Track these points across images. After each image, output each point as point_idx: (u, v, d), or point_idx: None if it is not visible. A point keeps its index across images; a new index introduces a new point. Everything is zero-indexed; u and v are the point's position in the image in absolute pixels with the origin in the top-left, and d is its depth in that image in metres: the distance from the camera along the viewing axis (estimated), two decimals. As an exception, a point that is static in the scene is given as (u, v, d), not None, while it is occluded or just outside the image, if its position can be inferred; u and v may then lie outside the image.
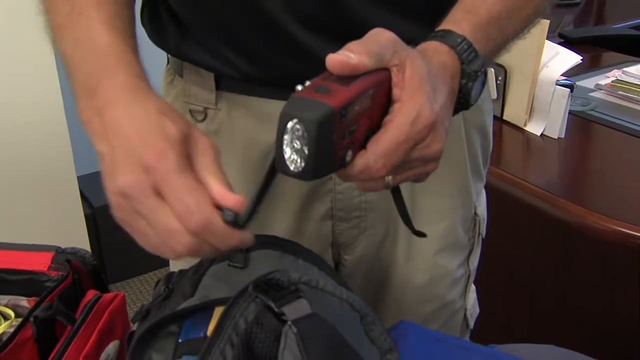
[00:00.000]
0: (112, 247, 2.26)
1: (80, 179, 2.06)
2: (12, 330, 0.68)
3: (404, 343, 0.72)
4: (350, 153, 0.49)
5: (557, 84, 1.50)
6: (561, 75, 1.58)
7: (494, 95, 1.54)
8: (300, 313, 0.50)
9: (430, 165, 0.55)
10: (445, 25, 0.59)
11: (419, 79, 0.51)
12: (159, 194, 0.48)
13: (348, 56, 0.49)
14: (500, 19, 0.61)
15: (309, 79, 0.52)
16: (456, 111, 0.60)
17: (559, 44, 2.00)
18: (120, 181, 0.49)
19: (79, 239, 2.06)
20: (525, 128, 1.50)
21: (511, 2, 0.62)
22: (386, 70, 0.51)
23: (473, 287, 0.94)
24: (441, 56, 0.56)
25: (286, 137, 0.46)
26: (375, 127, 0.51)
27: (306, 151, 0.45)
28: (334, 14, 0.66)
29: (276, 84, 0.68)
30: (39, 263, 0.78)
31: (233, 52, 0.70)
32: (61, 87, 1.82)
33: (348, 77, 0.49)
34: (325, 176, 0.49)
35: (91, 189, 2.23)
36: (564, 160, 1.47)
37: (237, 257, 0.64)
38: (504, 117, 1.54)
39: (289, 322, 0.49)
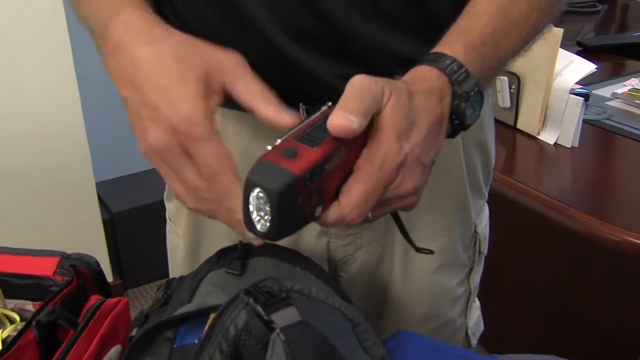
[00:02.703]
0: (130, 253, 2.29)
1: (99, 185, 2.09)
2: (15, 334, 0.69)
3: (402, 352, 0.71)
4: (319, 209, 0.51)
5: (572, 93, 1.49)
6: (577, 83, 1.57)
7: (507, 104, 1.53)
8: (289, 321, 0.51)
9: (409, 199, 0.56)
10: (437, 47, 0.60)
11: (392, 118, 0.52)
12: (188, 153, 0.51)
13: (351, 121, 0.49)
14: (495, 38, 0.61)
15: (301, 93, 0.54)
16: (454, 133, 0.61)
17: (576, 52, 1.99)
18: (152, 138, 0.52)
19: (96, 244, 2.08)
20: (539, 137, 1.49)
21: (508, 21, 0.62)
22: None
23: (477, 304, 0.93)
24: (429, 82, 0.57)
25: (251, 203, 0.48)
26: (349, 173, 0.52)
27: (270, 216, 0.47)
28: (325, 29, 0.65)
29: None
30: (45, 268, 0.79)
31: None
32: (80, 95, 1.85)
33: (324, 130, 0.50)
34: (297, 230, 0.51)
35: (110, 194, 2.26)
36: (577, 169, 1.46)
37: (234, 264, 0.65)
38: (517, 126, 1.53)
39: (277, 330, 0.50)
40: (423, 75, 0.57)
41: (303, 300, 0.56)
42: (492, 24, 0.61)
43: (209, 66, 0.52)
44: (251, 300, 0.52)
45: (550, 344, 1.46)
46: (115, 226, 2.23)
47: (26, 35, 1.72)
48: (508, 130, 1.55)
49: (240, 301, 0.53)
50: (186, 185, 0.53)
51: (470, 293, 0.89)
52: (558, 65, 1.45)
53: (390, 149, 0.52)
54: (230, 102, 0.74)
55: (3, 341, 0.73)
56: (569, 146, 1.44)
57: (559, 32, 1.41)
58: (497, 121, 1.58)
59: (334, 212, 0.52)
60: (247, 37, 0.67)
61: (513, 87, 1.50)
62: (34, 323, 0.69)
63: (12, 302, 0.80)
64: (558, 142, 1.46)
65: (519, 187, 1.38)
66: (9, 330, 0.74)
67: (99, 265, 0.81)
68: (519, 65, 1.47)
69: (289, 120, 0.51)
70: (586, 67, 1.47)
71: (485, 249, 0.88)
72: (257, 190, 0.47)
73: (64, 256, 0.80)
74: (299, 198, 0.48)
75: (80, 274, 0.79)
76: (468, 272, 0.87)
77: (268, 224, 0.48)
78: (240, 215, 0.50)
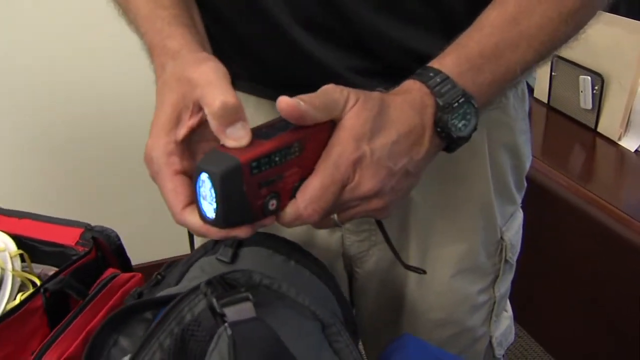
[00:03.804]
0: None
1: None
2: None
3: (402, 354, 0.69)
4: (274, 202, 0.50)
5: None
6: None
7: (589, 105, 1.44)
8: (243, 316, 0.50)
9: (373, 203, 0.54)
10: (432, 61, 0.58)
11: (352, 120, 0.52)
12: None
13: (299, 103, 0.50)
14: (498, 49, 0.58)
15: (313, 83, 0.53)
16: (450, 147, 0.59)
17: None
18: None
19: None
20: (620, 143, 1.39)
21: (516, 32, 0.59)
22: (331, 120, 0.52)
23: (508, 314, 0.88)
24: (410, 93, 0.56)
25: (200, 189, 0.48)
26: (308, 175, 0.52)
27: (215, 201, 0.47)
28: (337, 19, 0.64)
29: (282, 87, 0.67)
30: (69, 237, 0.82)
31: (240, 54, 0.70)
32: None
33: (281, 128, 0.50)
34: (246, 224, 0.50)
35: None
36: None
37: (225, 252, 0.65)
38: (598, 129, 1.44)
39: (226, 324, 0.49)
40: (406, 87, 0.57)
41: (269, 296, 0.55)
42: (495, 34, 0.58)
43: (184, 89, 0.52)
44: (209, 291, 0.51)
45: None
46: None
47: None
48: (588, 133, 1.46)
49: (201, 291, 0.52)
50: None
51: (495, 302, 0.84)
52: (647, 67, 1.35)
53: (346, 146, 0.51)
54: (248, 87, 0.74)
55: (21, 304, 0.77)
56: (651, 155, 1.35)
57: (650, 31, 1.31)
58: (577, 123, 1.50)
59: (290, 208, 0.51)
60: (262, 27, 0.66)
61: (596, 88, 1.41)
62: (42, 290, 0.72)
63: (39, 267, 0.84)
64: (640, 150, 1.37)
65: (594, 200, 1.30)
66: (28, 294, 0.78)
67: (119, 239, 0.83)
68: (603, 65, 1.38)
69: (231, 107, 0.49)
70: (679, 70, 1.35)
71: (513, 257, 0.83)
72: (203, 175, 0.48)
73: (87, 228, 0.82)
74: (245, 185, 0.48)
75: (100, 246, 0.81)
76: (492, 280, 0.82)
77: (214, 212, 0.48)
78: (195, 229, 0.50)
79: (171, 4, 0.62)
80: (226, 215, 0.48)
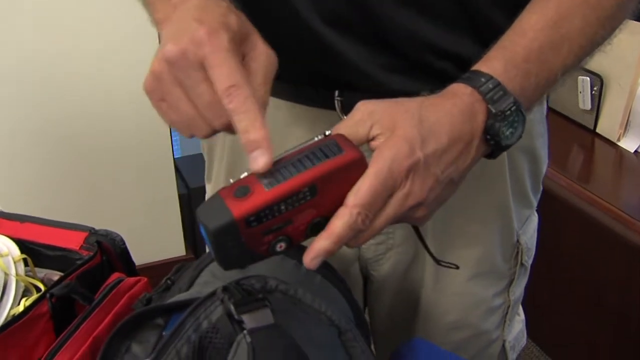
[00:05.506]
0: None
1: (181, 160, 2.17)
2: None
3: (412, 357, 0.69)
4: (282, 244, 0.49)
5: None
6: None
7: (588, 106, 1.44)
8: (261, 322, 0.49)
9: (417, 211, 0.53)
10: (478, 64, 0.57)
11: (402, 129, 0.51)
12: (203, 68, 0.49)
13: None
14: (541, 54, 0.57)
15: (335, 79, 0.52)
16: (493, 153, 0.58)
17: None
18: (169, 48, 0.49)
19: (171, 218, 2.14)
20: (619, 143, 1.40)
21: (558, 35, 0.58)
22: (355, 153, 0.49)
23: (520, 317, 0.88)
24: (459, 98, 0.55)
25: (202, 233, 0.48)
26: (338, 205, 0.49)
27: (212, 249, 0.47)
28: (361, 14, 0.63)
29: (303, 84, 0.66)
30: (73, 241, 0.81)
31: None
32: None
33: (297, 166, 0.48)
34: (251, 264, 0.50)
35: (188, 170, 2.31)
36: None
37: (236, 257, 0.64)
38: (597, 130, 1.44)
39: (245, 331, 0.48)
40: (455, 91, 0.55)
41: (285, 302, 0.54)
42: (539, 39, 0.58)
43: (248, 32, 0.52)
44: (226, 298, 0.51)
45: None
46: (192, 202, 2.27)
47: (109, 21, 1.77)
48: (587, 134, 1.46)
49: (218, 297, 0.52)
50: (200, 103, 0.50)
51: (510, 306, 0.84)
52: (646, 68, 1.35)
53: (401, 150, 0.50)
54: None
55: (25, 309, 0.75)
56: (651, 155, 1.35)
57: (649, 32, 1.31)
58: (575, 124, 1.51)
59: (341, 217, 0.49)
60: (284, 21, 0.66)
61: (595, 88, 1.42)
62: (47, 295, 0.71)
63: (42, 272, 0.82)
64: (639, 150, 1.37)
65: (594, 200, 1.30)
66: (32, 299, 0.77)
67: (124, 243, 0.82)
68: (603, 66, 1.39)
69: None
70: (678, 71, 1.36)
71: (528, 260, 0.83)
72: (200, 225, 0.47)
73: (92, 231, 0.81)
74: (243, 237, 0.47)
75: (105, 250, 0.80)
76: (508, 283, 0.82)
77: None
78: (253, 135, 0.48)
79: None
80: (223, 262, 0.48)
